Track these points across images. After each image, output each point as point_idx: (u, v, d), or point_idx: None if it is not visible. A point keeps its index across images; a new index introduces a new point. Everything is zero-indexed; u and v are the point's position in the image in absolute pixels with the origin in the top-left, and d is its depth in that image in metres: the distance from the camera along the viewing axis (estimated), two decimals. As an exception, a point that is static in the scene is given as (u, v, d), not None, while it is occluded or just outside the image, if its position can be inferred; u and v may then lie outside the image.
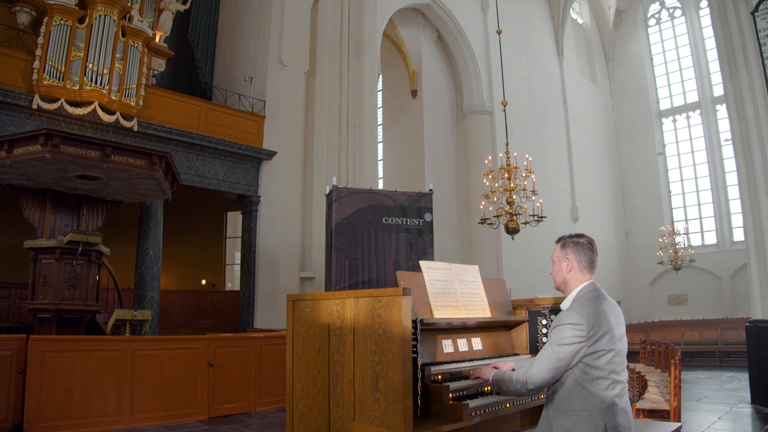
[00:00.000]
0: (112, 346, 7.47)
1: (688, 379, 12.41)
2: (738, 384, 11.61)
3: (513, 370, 2.89)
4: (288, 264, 13.27)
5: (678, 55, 25.09)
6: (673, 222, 21.71)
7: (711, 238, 23.11)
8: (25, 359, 6.76)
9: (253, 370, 8.56)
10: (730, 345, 17.40)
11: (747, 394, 9.56)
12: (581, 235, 3.02)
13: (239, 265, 15.21)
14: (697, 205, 23.89)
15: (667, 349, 8.67)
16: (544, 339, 3.56)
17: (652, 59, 25.59)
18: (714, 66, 22.94)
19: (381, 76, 19.10)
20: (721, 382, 12.22)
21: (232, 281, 18.02)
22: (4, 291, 12.46)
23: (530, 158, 11.75)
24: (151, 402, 7.48)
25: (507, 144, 12.32)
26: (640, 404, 6.19)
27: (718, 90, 22.56)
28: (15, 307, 12.29)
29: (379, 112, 18.75)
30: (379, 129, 18.48)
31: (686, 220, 23.49)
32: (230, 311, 15.07)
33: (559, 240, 3.06)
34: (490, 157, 13.24)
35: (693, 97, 24.33)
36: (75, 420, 6.89)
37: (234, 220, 17.59)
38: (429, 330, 3.05)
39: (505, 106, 12.91)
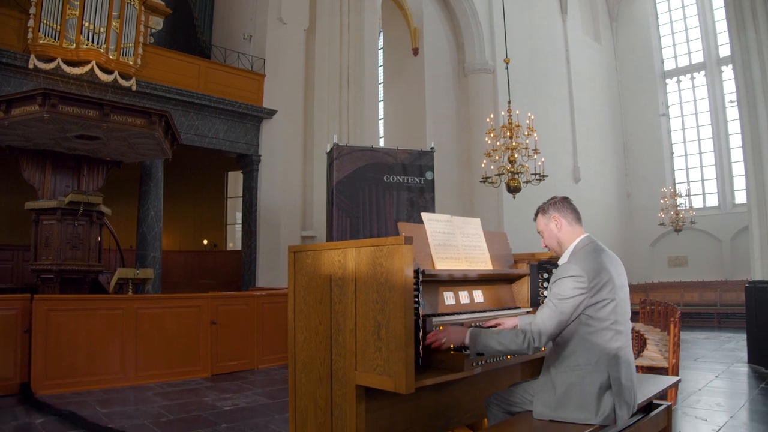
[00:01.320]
0: (115, 304, 7.54)
1: (687, 339, 12.53)
2: (736, 344, 11.72)
3: (516, 327, 2.90)
4: (289, 223, 13.30)
5: (684, 15, 24.64)
6: (674, 184, 21.64)
7: (712, 201, 23.06)
8: (30, 318, 6.83)
9: (255, 328, 8.65)
10: (728, 306, 17.52)
11: (744, 354, 9.64)
12: (553, 197, 3.05)
13: (240, 225, 15.26)
14: (699, 167, 23.77)
15: (667, 309, 8.72)
16: (545, 293, 3.57)
17: (657, 18, 25.15)
18: (720, 26, 22.55)
19: (382, 33, 18.82)
20: (719, 342, 12.34)
21: (234, 241, 18.09)
22: (6, 253, 12.53)
23: (532, 117, 11.64)
24: (155, 360, 7.58)
25: (509, 102, 12.19)
26: (638, 361, 6.24)
27: (724, 51, 22.24)
28: (18, 269, 12.38)
29: (380, 70, 18.53)
30: (380, 87, 18.30)
31: (688, 182, 23.42)
32: (232, 271, 15.17)
33: (536, 212, 3.07)
34: (491, 116, 13.13)
35: (698, 57, 24.00)
36: (81, 377, 6.99)
37: (234, 180, 17.60)
38: (430, 282, 3.05)
39: (507, 64, 12.75)
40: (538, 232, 3.05)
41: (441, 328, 2.85)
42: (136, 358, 7.43)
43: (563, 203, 2.98)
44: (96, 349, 7.16)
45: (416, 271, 2.54)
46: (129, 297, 8.17)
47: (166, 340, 7.71)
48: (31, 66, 10.23)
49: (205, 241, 18.14)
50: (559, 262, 2.93)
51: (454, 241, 3.27)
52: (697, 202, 22.46)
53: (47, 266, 9.40)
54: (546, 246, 3.03)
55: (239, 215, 16.30)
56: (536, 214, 3.06)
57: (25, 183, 10.29)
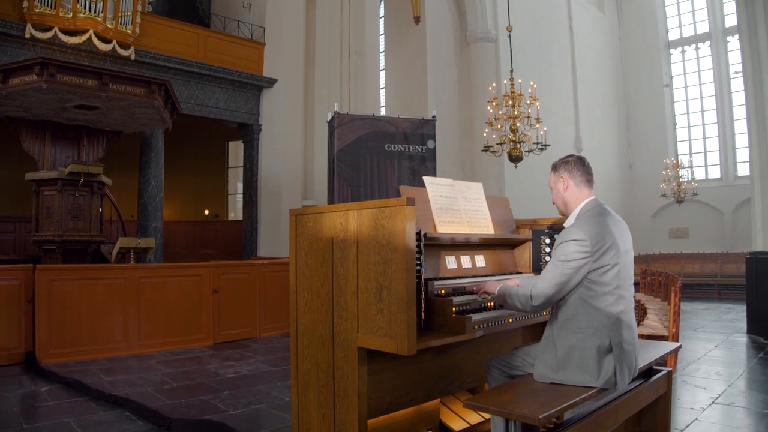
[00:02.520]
0: (117, 274, 7.56)
1: (687, 309, 12.57)
2: (735, 315, 11.76)
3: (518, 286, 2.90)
4: (290, 192, 13.30)
5: (690, -18, 24.26)
6: (677, 155, 21.52)
7: (715, 173, 22.94)
8: (33, 288, 6.86)
9: (257, 297, 8.69)
10: (729, 278, 17.54)
11: (743, 325, 9.68)
12: (570, 155, 3.04)
13: (241, 195, 15.26)
14: (702, 138, 23.61)
15: (668, 279, 8.74)
16: (548, 258, 3.56)
17: (662, -14, 24.77)
18: (727, -6, 22.22)
19: (382, 1, 18.55)
20: (718, 313, 12.38)
21: (235, 211, 18.11)
22: (8, 225, 12.55)
23: (535, 86, 11.51)
24: (158, 328, 7.63)
25: (511, 71, 12.05)
26: (639, 330, 6.25)
27: (730, 20, 21.92)
28: (20, 241, 12.41)
29: (381, 39, 18.31)
30: (381, 56, 18.08)
31: (690, 154, 23.29)
32: (233, 241, 15.21)
33: (552, 167, 3.06)
34: (494, 84, 13.00)
35: (703, 27, 23.66)
36: (84, 346, 7.05)
37: (235, 150, 17.54)
38: (432, 245, 3.04)
39: (510, 32, 12.58)
40: (550, 188, 3.05)
41: (442, 292, 2.86)
42: (139, 327, 7.48)
43: (575, 164, 2.95)
44: (99, 318, 7.21)
45: (418, 234, 2.53)
46: (131, 266, 8.19)
47: (169, 308, 7.76)
48: (27, 35, 10.11)
49: (207, 212, 18.15)
50: (565, 225, 2.92)
51: (456, 205, 3.25)
52: (699, 174, 22.34)
53: (49, 237, 9.42)
54: (553, 203, 3.02)
55: (240, 185, 16.29)
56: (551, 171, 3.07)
57: (25, 154, 10.25)
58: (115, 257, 9.60)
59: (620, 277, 2.72)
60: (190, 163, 17.91)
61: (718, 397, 5.28)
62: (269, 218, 13.41)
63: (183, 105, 11.34)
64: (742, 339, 8.83)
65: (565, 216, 2.99)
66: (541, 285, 2.67)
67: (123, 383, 5.83)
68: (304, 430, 2.95)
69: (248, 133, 13.82)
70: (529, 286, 2.72)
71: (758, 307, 9.00)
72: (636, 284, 11.84)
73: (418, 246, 2.53)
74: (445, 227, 3.11)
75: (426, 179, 3.14)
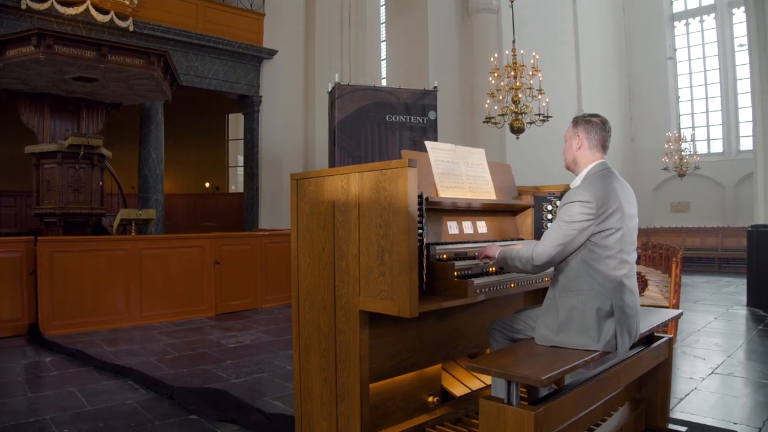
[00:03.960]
0: (118, 245, 7.57)
1: (687, 282, 12.59)
2: (735, 288, 11.78)
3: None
4: (291, 164, 13.26)
5: (695, -48, 23.85)
6: (679, 128, 21.35)
7: (717, 147, 22.78)
8: (35, 260, 6.88)
9: (258, 268, 8.72)
10: (729, 252, 17.54)
11: (743, 298, 9.71)
12: (595, 115, 2.95)
13: (242, 167, 15.24)
14: (705, 112, 23.42)
15: (669, 251, 8.75)
16: (550, 225, 3.54)
17: (667, -43, 24.37)
18: (733, -36, 21.86)
19: (383, -29, 18.28)
20: (719, 286, 12.41)
21: (236, 183, 18.10)
22: (8, 199, 12.54)
23: (537, 57, 11.38)
24: (160, 300, 7.67)
25: (513, 42, 11.91)
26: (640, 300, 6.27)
27: (736, -9, 21.63)
28: (21, 215, 12.42)
29: (382, 9, 18.08)
30: (382, 27, 17.88)
31: (693, 127, 23.11)
32: (235, 213, 15.23)
33: (573, 120, 2.99)
34: (496, 55, 12.85)
35: (709, -1, 23.34)
36: (87, 318, 7.10)
37: (236, 122, 17.46)
38: (434, 210, 3.02)
39: (512, 2, 12.41)
40: (565, 140, 2.99)
41: (444, 256, 2.84)
42: (141, 298, 7.52)
43: (595, 126, 2.87)
44: (101, 289, 7.24)
45: (420, 197, 2.50)
46: (132, 237, 8.20)
47: (170, 280, 7.79)
48: (23, 6, 10.01)
49: (207, 184, 18.12)
50: (571, 185, 2.89)
51: (458, 170, 3.22)
52: (701, 148, 22.21)
53: (50, 210, 9.42)
54: (563, 154, 2.97)
55: (241, 158, 16.25)
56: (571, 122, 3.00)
57: (24, 127, 10.20)
58: (116, 229, 9.61)
59: (624, 241, 2.70)
60: (190, 135, 17.85)
61: (717, 368, 5.31)
62: (270, 190, 13.40)
63: (182, 77, 11.26)
64: (742, 311, 8.86)
65: (571, 171, 2.96)
66: (543, 246, 2.65)
67: (126, 353, 5.87)
68: (306, 394, 2.96)
69: (248, 104, 13.74)
70: (530, 247, 2.70)
71: (758, 279, 9.02)
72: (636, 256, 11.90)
73: (420, 210, 2.51)
74: (447, 192, 3.09)
75: (428, 144, 3.11)
